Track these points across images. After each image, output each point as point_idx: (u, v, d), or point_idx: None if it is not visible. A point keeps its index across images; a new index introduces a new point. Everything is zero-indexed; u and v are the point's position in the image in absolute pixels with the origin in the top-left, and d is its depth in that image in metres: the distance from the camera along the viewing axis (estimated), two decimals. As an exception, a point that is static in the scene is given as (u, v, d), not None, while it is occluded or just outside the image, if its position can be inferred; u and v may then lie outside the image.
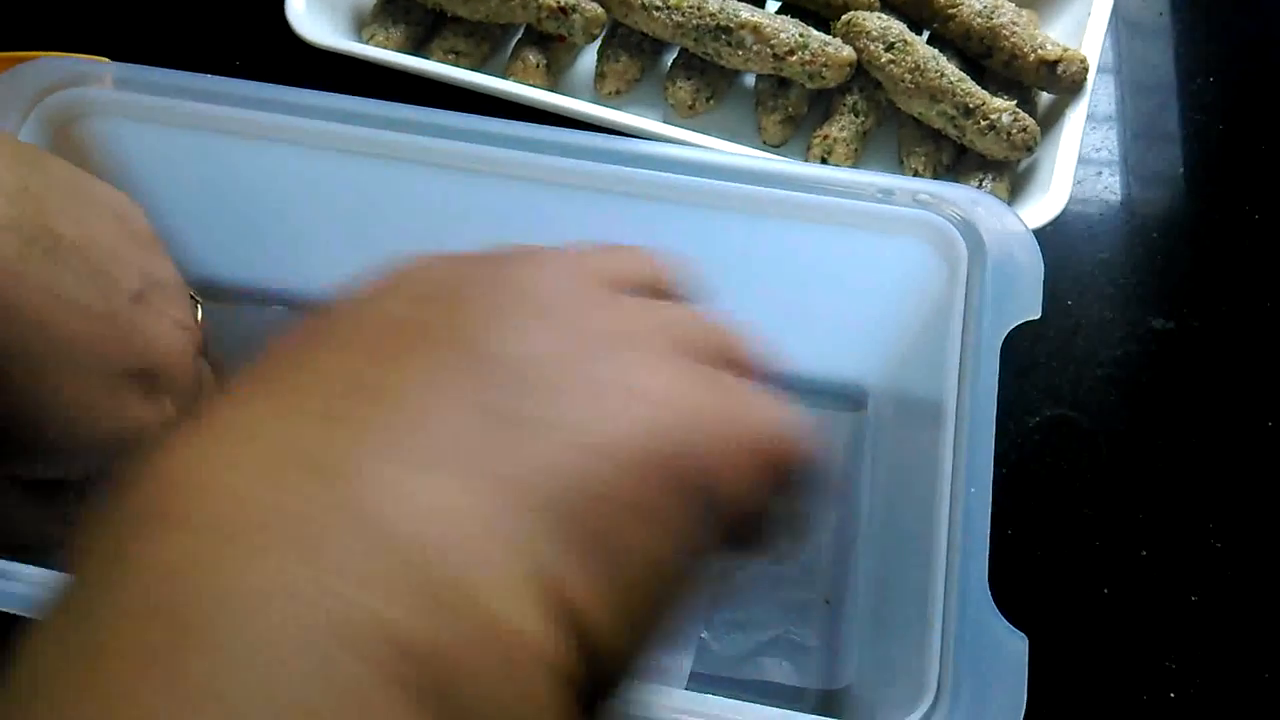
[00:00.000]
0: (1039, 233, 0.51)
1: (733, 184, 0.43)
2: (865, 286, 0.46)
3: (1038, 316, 0.40)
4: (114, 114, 0.48)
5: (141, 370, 0.36)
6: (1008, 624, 0.36)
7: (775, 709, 0.36)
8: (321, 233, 0.53)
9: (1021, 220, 0.42)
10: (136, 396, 0.36)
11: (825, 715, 0.46)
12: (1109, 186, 0.62)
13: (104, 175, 0.48)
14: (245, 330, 0.55)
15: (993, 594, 0.36)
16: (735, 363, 0.24)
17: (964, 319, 0.41)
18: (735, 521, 0.21)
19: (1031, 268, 0.41)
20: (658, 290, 0.25)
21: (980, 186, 0.58)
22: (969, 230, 0.42)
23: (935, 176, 0.60)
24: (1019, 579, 0.47)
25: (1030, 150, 0.58)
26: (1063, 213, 0.53)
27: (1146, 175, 0.62)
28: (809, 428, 0.23)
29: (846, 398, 0.51)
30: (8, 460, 0.35)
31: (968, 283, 0.41)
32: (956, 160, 0.61)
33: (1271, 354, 0.53)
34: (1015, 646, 0.36)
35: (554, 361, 0.20)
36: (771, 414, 0.23)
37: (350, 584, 0.16)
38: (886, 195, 0.42)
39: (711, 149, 0.43)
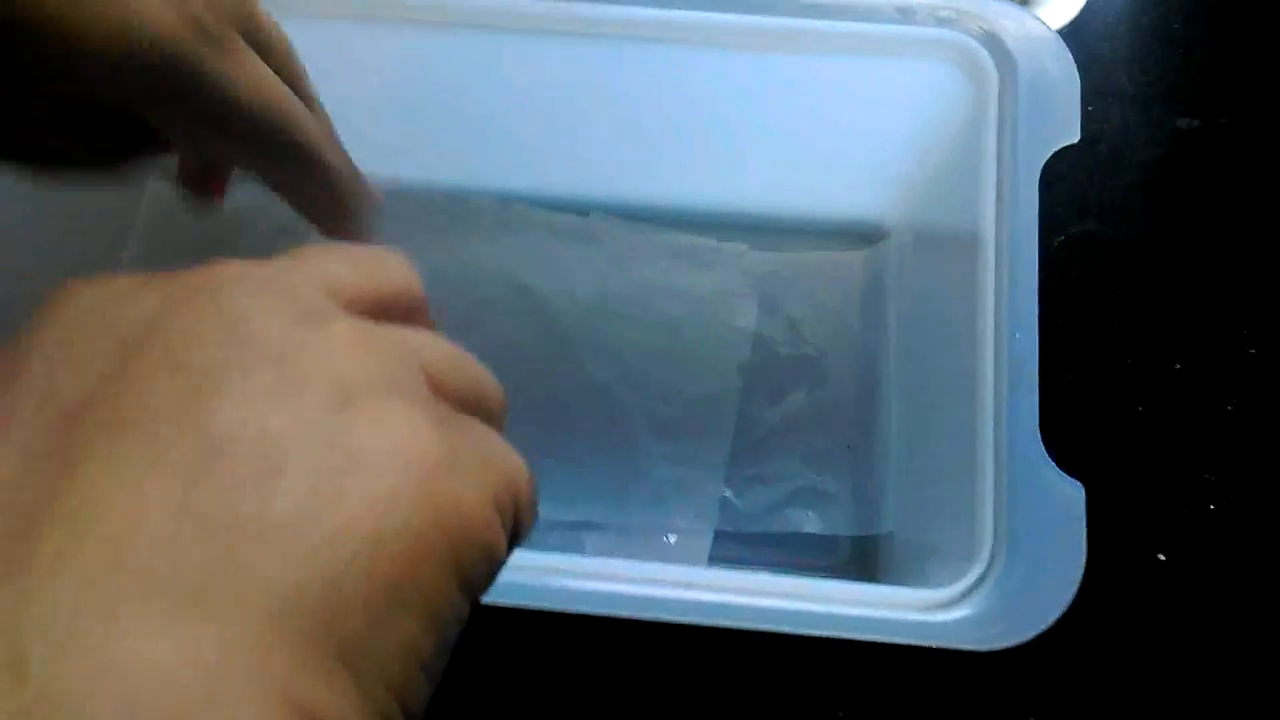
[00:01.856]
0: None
1: (731, 15, 0.39)
2: (882, 115, 0.42)
3: (1076, 140, 0.37)
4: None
5: None
6: (1062, 473, 0.35)
7: (797, 578, 0.34)
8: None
9: (1053, 31, 0.38)
10: None
11: (862, 561, 0.45)
12: (1119, -27, 0.57)
13: None
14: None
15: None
16: (482, 400, 0.21)
17: (998, 146, 0.37)
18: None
19: (1067, 85, 0.37)
20: (404, 306, 0.22)
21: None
22: (996, 46, 0.38)
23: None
24: (1048, 402, 0.45)
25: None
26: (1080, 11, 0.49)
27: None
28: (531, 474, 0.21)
29: (861, 235, 0.49)
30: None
31: (1000, 105, 0.38)
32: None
33: (1300, 145, 0.50)
34: (1072, 496, 0.34)
35: (274, 433, 0.17)
36: (515, 460, 0.20)
37: None
38: (905, 14, 0.38)
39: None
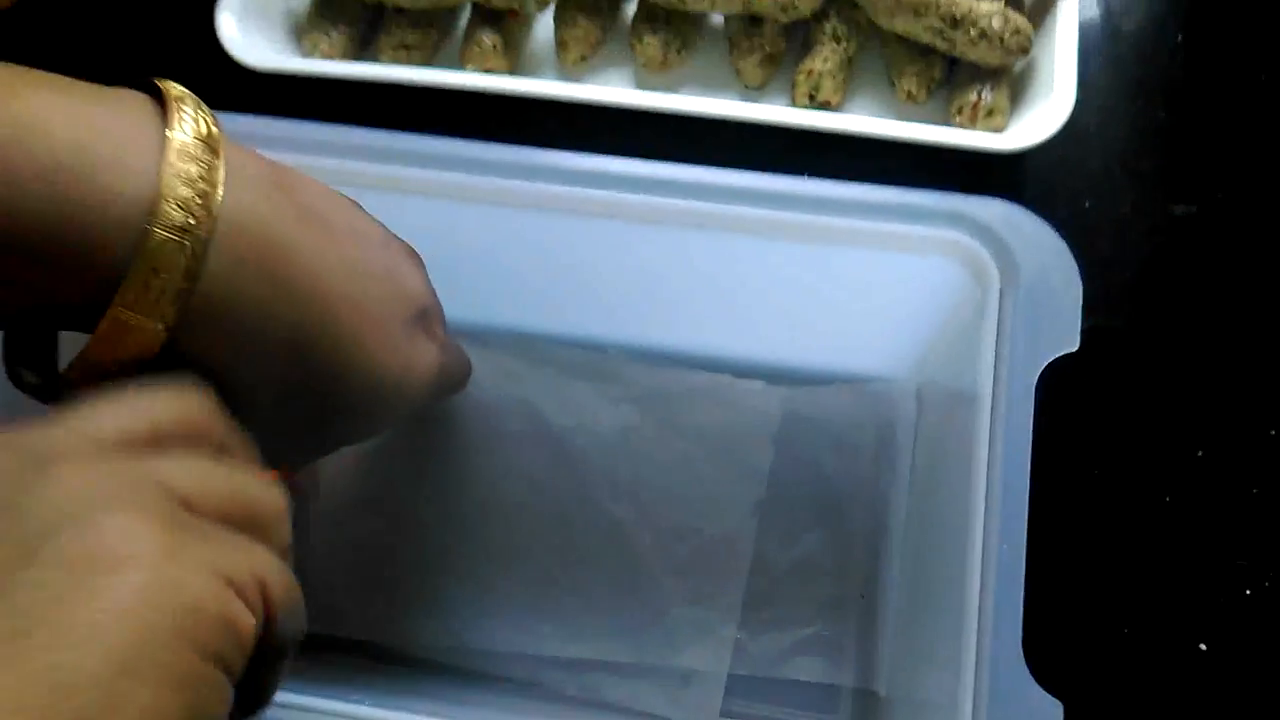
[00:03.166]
0: (1049, 139, 0.47)
1: (747, 208, 0.41)
2: (893, 298, 0.44)
3: (1075, 349, 0.38)
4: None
5: (418, 309, 0.35)
6: (1043, 691, 0.34)
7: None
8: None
9: (1058, 235, 0.39)
10: (422, 335, 0.36)
11: (862, 715, 0.46)
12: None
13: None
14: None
15: (1035, 520, 0.35)
16: (249, 514, 0.24)
17: (996, 353, 0.39)
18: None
19: (1068, 293, 0.39)
20: (183, 436, 0.25)
21: (979, 98, 0.54)
22: (1001, 251, 0.39)
23: (930, 94, 0.56)
24: (1073, 493, 0.46)
25: (1025, 52, 0.54)
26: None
27: (1146, 49, 0.58)
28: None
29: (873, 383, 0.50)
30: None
31: (1000, 311, 0.39)
32: (949, 74, 0.57)
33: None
34: (1050, 714, 0.34)
35: None
36: (269, 560, 0.24)
37: None
38: (917, 213, 0.40)
39: (723, 173, 0.41)
